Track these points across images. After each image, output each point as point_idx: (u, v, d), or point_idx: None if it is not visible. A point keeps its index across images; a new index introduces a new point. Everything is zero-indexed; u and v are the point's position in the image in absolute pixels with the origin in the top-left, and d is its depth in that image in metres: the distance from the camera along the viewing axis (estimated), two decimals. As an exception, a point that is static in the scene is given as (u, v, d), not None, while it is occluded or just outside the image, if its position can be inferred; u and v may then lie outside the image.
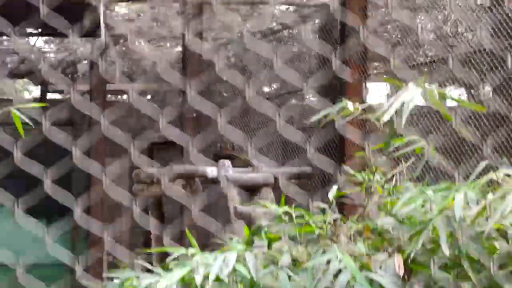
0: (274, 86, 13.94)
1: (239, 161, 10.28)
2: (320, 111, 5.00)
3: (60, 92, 19.78)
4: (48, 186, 3.24)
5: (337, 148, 10.24)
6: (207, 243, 5.02)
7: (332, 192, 4.65)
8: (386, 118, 4.14)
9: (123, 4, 13.16)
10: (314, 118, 4.81)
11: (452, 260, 4.04)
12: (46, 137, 3.33)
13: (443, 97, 4.24)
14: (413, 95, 4.13)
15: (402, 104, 4.05)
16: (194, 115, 12.40)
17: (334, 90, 9.96)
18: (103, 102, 15.50)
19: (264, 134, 10.46)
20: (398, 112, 4.14)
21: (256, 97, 12.13)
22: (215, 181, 8.89)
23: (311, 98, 12.31)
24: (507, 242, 4.06)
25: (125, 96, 18.80)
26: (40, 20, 11.07)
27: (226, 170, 9.36)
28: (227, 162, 9.49)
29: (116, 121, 11.91)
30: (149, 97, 16.90)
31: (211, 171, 9.45)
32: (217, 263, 4.09)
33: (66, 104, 15.44)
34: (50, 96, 19.50)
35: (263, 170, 9.89)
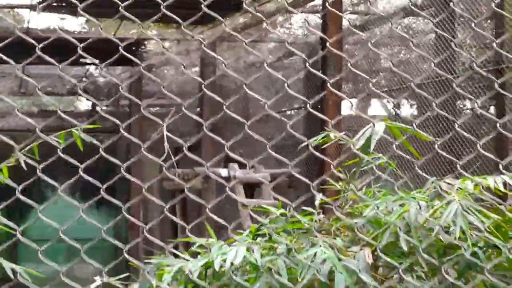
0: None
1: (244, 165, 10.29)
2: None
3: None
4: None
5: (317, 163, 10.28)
6: (221, 230, 5.01)
7: (318, 201, 4.64)
8: (358, 146, 4.14)
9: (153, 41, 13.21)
10: (301, 146, 4.77)
11: (409, 251, 4.05)
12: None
13: (405, 130, 4.28)
14: (380, 129, 4.21)
15: (370, 136, 4.09)
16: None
17: (316, 108, 9.92)
18: (140, 112, 15.50)
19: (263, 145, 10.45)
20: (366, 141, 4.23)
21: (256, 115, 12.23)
22: (226, 180, 8.95)
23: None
24: (450, 235, 4.09)
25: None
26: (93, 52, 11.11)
27: (234, 171, 9.53)
28: (236, 165, 9.65)
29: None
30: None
31: (224, 172, 9.64)
32: (232, 253, 4.13)
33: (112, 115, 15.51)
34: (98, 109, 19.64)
35: (262, 171, 10.02)
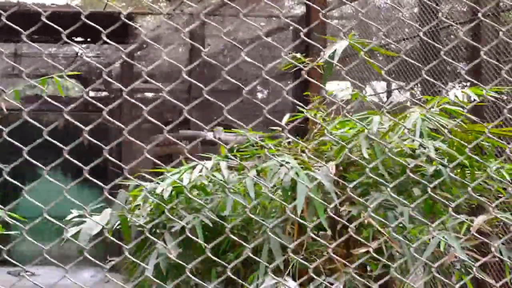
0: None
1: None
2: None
3: (98, 90, 19.89)
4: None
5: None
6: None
7: (285, 118, 4.64)
8: (324, 59, 4.13)
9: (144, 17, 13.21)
10: (284, 120, 4.82)
11: (374, 168, 3.97)
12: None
13: (363, 44, 4.24)
14: (342, 45, 4.19)
15: (334, 51, 4.13)
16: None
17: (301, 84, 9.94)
18: (131, 96, 15.64)
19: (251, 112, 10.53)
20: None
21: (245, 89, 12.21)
22: (212, 143, 9.01)
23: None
24: (414, 158, 4.17)
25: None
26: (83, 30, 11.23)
27: (219, 134, 9.60)
28: (220, 128, 9.72)
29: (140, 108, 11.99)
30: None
31: (209, 134, 9.56)
32: (198, 168, 4.21)
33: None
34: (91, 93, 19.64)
35: (246, 134, 10.13)
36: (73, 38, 14.65)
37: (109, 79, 12.77)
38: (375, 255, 3.53)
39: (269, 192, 4.17)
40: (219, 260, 3.68)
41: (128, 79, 15.29)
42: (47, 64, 16.54)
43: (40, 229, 3.72)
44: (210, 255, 3.17)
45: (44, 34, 12.39)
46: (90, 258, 3.31)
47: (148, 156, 3.55)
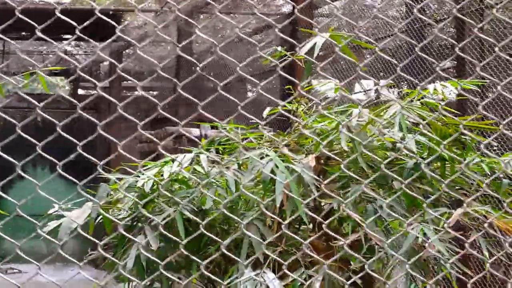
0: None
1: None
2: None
3: (88, 88, 19.82)
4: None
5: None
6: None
7: (265, 111, 4.67)
8: (304, 51, 4.08)
9: (132, 14, 13.18)
10: (264, 113, 4.88)
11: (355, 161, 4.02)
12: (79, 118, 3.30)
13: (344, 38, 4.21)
14: (322, 39, 4.14)
15: (314, 44, 4.11)
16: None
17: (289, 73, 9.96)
18: (119, 94, 15.69)
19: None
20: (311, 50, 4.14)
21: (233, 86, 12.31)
22: (198, 138, 9.04)
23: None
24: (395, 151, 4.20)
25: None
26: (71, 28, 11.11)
27: (205, 130, 9.61)
28: (207, 125, 9.72)
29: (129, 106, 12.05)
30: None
31: (195, 131, 9.61)
32: (179, 158, 4.23)
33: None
34: (80, 91, 19.56)
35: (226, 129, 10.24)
36: (62, 35, 14.66)
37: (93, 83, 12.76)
38: (348, 249, 3.52)
39: (247, 187, 4.20)
40: (194, 258, 3.67)
41: (117, 77, 15.28)
42: (35, 63, 16.47)
43: (23, 226, 3.72)
44: (183, 250, 3.16)
45: (32, 31, 12.34)
46: (64, 254, 3.29)
47: (122, 152, 3.58)
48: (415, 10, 4.56)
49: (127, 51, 15.56)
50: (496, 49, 4.05)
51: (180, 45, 11.12)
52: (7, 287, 3.65)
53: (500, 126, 3.43)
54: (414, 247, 3.95)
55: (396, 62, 7.52)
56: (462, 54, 6.00)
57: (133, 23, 13.76)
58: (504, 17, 6.43)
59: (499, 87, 3.91)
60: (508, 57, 6.36)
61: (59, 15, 3.26)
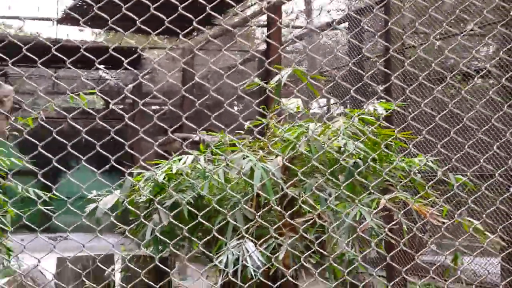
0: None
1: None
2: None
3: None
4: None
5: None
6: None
7: (246, 124, 4.67)
8: (274, 81, 4.10)
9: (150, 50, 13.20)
10: (246, 126, 4.82)
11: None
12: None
13: (302, 73, 4.23)
14: (286, 72, 4.19)
15: (281, 78, 4.13)
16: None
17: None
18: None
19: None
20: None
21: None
22: (197, 142, 8.96)
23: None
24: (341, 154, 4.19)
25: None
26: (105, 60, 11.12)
27: (203, 136, 9.50)
28: (204, 132, 9.61)
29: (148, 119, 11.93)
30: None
31: (196, 136, 9.45)
32: (183, 160, 4.22)
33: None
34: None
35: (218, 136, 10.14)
36: (98, 66, 14.51)
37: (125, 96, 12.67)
38: (300, 230, 3.50)
39: (233, 178, 4.22)
40: (190, 237, 3.65)
41: (138, 96, 15.19)
42: (80, 85, 16.46)
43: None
44: (186, 233, 3.14)
45: (76, 62, 12.24)
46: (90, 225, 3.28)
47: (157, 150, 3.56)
48: (363, 50, 4.56)
49: (146, 76, 15.55)
50: (421, 78, 4.08)
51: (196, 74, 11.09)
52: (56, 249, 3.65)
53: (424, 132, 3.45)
54: (353, 223, 3.87)
55: (348, 85, 7.52)
56: (396, 81, 6.06)
57: (150, 57, 13.71)
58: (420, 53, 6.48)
59: (422, 105, 3.94)
60: (426, 83, 6.42)
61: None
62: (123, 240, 6.26)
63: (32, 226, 3.32)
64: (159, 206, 4.14)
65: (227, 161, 4.16)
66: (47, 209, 4.20)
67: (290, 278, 3.86)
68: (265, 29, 10.96)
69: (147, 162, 4.55)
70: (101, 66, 15.22)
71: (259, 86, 4.86)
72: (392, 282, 6.01)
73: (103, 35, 17.21)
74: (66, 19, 9.53)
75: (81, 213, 3.78)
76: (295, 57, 11.21)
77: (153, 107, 18.40)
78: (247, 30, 12.55)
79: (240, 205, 4.00)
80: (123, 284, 4.97)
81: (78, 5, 9.00)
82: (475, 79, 6.52)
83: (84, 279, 4.72)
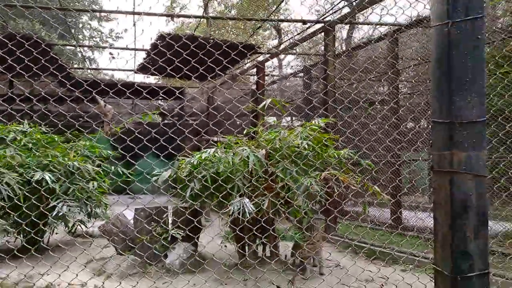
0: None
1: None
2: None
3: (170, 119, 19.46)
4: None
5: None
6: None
7: (245, 131, 4.63)
8: (262, 106, 4.10)
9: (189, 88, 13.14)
10: (245, 132, 4.73)
11: (281, 152, 4.08)
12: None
13: (277, 103, 4.25)
14: (267, 101, 4.14)
15: (265, 103, 4.15)
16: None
17: (255, 117, 9.70)
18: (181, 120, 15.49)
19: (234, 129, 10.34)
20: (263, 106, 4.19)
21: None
22: (216, 142, 8.94)
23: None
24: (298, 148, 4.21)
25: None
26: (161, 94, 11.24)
27: (218, 138, 9.43)
28: (220, 136, 9.55)
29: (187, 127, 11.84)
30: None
31: (213, 139, 9.42)
32: (206, 154, 4.23)
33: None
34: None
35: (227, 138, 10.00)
36: (156, 98, 14.47)
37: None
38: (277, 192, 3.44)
39: (237, 162, 4.19)
40: (211, 197, 3.61)
41: (181, 115, 15.06)
42: (147, 109, 16.40)
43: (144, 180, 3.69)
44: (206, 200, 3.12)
45: (145, 95, 12.16)
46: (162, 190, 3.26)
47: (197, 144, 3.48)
48: (312, 88, 4.53)
49: (186, 103, 15.45)
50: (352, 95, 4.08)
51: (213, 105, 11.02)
52: (131, 205, 3.66)
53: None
54: (307, 188, 3.89)
55: (305, 107, 7.44)
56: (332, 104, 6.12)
57: (188, 92, 13.67)
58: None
59: (346, 118, 3.97)
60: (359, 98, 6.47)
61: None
62: (173, 198, 6.16)
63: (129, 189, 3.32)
64: (194, 178, 4.23)
65: (233, 152, 4.22)
66: (128, 180, 4.24)
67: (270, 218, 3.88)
68: (255, 76, 10.96)
69: (188, 152, 4.60)
70: (160, 98, 15.33)
71: (252, 109, 4.88)
72: (329, 220, 6.01)
73: (161, 79, 17.15)
74: (140, 70, 9.61)
75: (149, 182, 3.84)
76: (272, 92, 11.17)
77: (191, 121, 18.38)
78: (245, 76, 12.50)
79: (241, 177, 4.08)
80: (172, 225, 4.96)
81: (146, 62, 9.09)
82: (376, 104, 6.60)
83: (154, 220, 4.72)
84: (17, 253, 2.96)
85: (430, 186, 6.69)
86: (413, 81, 6.45)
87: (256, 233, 4.35)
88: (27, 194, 4.06)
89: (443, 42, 1.36)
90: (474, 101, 1.29)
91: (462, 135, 1.28)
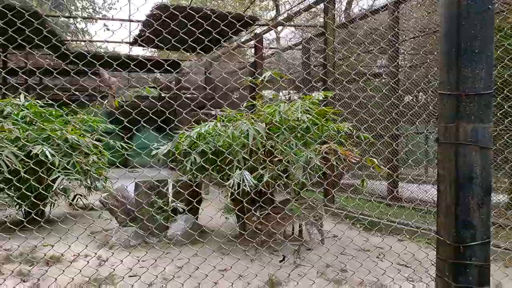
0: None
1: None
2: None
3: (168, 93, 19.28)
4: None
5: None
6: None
7: (244, 104, 4.62)
8: (261, 79, 4.05)
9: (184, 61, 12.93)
10: (244, 105, 4.74)
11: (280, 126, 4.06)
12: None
13: (279, 75, 4.19)
14: (268, 74, 4.04)
15: (265, 76, 4.08)
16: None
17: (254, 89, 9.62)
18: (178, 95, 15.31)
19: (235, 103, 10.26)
20: (263, 79, 4.08)
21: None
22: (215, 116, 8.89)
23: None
24: (299, 121, 4.16)
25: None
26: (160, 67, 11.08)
27: (217, 112, 9.38)
28: (218, 110, 9.50)
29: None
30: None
31: (213, 111, 9.34)
32: (207, 125, 4.23)
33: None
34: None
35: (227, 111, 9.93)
36: (154, 70, 14.26)
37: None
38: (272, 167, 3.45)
39: (237, 136, 4.17)
40: (211, 170, 3.63)
41: (179, 89, 14.90)
42: (144, 83, 16.24)
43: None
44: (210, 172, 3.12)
45: (141, 68, 11.93)
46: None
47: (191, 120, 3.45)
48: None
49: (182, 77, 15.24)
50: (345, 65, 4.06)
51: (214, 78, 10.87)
52: (130, 176, 3.69)
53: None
54: (306, 160, 3.93)
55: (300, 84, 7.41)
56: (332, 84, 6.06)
57: (186, 65, 13.46)
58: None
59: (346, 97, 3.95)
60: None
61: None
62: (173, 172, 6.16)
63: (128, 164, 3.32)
64: (193, 152, 4.23)
65: (233, 125, 4.20)
66: (128, 154, 4.24)
67: (269, 193, 3.94)
68: (253, 49, 10.80)
69: (187, 126, 4.57)
70: (157, 71, 15.08)
71: (251, 82, 4.82)
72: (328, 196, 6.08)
73: (157, 52, 16.83)
74: (135, 42, 9.40)
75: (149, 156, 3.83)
76: (270, 65, 11.04)
77: (188, 95, 18.17)
78: (242, 49, 12.32)
79: (241, 151, 4.09)
80: (173, 198, 5.01)
81: (142, 34, 8.89)
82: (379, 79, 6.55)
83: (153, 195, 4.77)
84: (26, 224, 3.00)
85: (426, 159, 6.72)
86: (421, 52, 6.34)
87: (263, 204, 4.38)
88: (26, 168, 4.06)
89: (452, 12, 1.33)
90: (482, 73, 1.28)
91: (469, 107, 1.28)
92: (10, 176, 3.91)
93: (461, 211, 1.25)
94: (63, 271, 3.16)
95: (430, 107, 5.19)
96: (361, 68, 6.73)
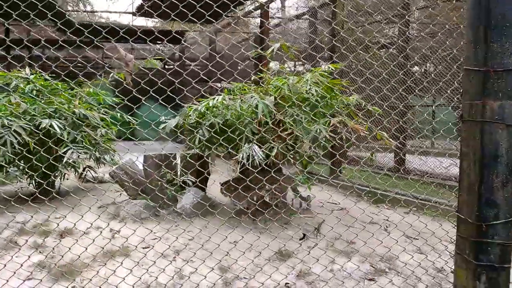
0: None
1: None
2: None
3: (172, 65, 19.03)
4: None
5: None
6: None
7: (252, 77, 4.56)
8: (270, 51, 3.97)
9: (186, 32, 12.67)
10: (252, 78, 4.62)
11: (291, 99, 4.02)
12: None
13: (286, 48, 4.09)
14: (276, 46, 3.97)
15: (274, 48, 4.00)
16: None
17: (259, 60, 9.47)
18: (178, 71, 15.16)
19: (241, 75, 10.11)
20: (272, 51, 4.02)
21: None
22: (221, 89, 8.82)
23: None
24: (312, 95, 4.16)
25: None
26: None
27: (225, 85, 9.23)
28: (225, 82, 9.33)
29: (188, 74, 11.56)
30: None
31: (219, 84, 9.23)
32: (216, 100, 4.18)
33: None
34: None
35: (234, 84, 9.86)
36: (157, 42, 14.06)
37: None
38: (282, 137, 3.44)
39: (245, 109, 4.13)
40: (217, 142, 3.63)
41: (182, 62, 14.70)
42: (147, 54, 16.02)
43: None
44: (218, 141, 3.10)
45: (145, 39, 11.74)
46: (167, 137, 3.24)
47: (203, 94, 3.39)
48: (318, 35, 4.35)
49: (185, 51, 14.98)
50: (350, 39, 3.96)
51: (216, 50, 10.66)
52: (138, 149, 3.69)
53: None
54: (315, 134, 3.90)
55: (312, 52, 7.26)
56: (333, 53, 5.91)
57: (189, 36, 13.21)
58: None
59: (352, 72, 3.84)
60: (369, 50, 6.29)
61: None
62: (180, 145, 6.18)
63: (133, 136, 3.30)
64: (202, 124, 4.23)
65: (241, 99, 4.17)
66: (137, 126, 4.21)
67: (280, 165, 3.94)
68: (258, 19, 10.56)
69: (195, 100, 4.53)
70: (160, 42, 14.81)
71: (258, 54, 4.74)
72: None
73: (159, 22, 16.52)
74: (140, 11, 9.20)
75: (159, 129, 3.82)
76: (275, 36, 10.80)
77: (192, 67, 17.87)
78: (248, 20, 12.05)
79: (249, 125, 4.07)
80: (183, 169, 5.05)
81: (143, 4, 8.69)
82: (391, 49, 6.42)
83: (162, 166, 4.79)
84: (39, 195, 3.04)
85: (433, 132, 6.69)
86: (431, 25, 6.18)
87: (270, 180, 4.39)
88: (36, 141, 4.07)
89: (482, -17, 1.27)
90: (512, 48, 1.23)
91: (497, 83, 1.24)
92: (21, 148, 3.92)
93: (485, 189, 1.24)
94: (77, 241, 3.22)
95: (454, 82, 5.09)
96: (376, 34, 6.55)
